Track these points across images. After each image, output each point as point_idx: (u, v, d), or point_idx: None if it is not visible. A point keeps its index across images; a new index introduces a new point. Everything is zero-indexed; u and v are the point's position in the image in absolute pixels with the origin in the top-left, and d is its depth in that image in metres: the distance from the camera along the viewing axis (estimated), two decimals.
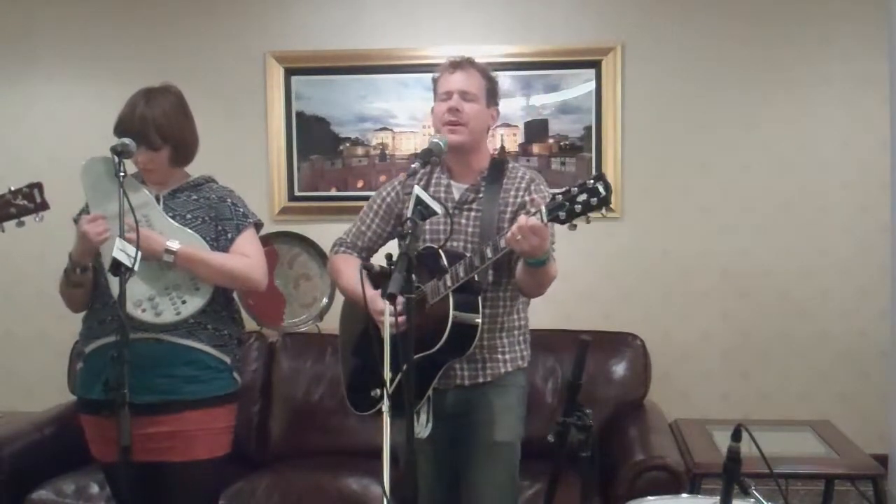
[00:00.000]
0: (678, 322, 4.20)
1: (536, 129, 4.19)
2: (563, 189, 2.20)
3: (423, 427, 2.48)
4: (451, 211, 2.53)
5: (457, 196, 2.59)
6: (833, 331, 4.15)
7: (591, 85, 4.15)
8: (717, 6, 4.13)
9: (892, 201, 3.65)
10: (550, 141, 4.19)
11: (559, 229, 2.36)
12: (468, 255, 2.42)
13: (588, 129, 4.17)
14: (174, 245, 2.49)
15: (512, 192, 2.56)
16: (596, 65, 4.14)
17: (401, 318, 2.12)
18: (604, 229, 4.15)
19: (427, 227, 2.52)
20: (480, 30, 4.14)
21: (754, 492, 1.88)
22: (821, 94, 4.13)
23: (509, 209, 2.54)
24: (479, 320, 2.43)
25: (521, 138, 4.19)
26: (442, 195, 2.58)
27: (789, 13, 4.11)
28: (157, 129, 2.55)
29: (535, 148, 4.19)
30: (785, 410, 4.07)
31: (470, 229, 2.54)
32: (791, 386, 4.17)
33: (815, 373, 4.16)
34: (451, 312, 2.38)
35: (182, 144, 2.62)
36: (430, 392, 2.50)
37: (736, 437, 1.87)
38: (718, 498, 1.92)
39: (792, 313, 4.17)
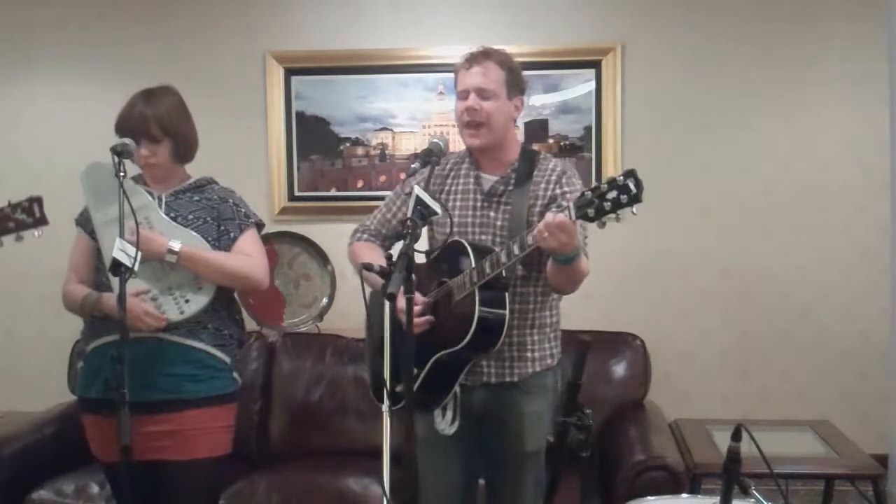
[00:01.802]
0: (678, 322, 4.20)
1: (536, 129, 4.19)
2: (593, 185, 2.15)
3: (447, 424, 2.43)
4: (481, 204, 2.48)
5: (486, 188, 2.51)
6: (833, 331, 4.15)
7: (591, 85, 4.15)
8: (717, 6, 4.13)
9: (892, 201, 3.66)
10: (550, 141, 4.19)
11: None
12: (496, 249, 2.35)
13: (588, 129, 4.17)
14: (176, 245, 2.50)
15: (542, 185, 2.49)
16: (596, 65, 4.14)
17: (423, 319, 2.10)
18: (604, 229, 4.15)
19: (456, 220, 2.48)
20: (480, 30, 4.13)
21: (754, 492, 1.88)
22: (821, 94, 4.13)
23: (539, 202, 2.48)
24: (507, 317, 2.36)
25: (521, 138, 4.17)
26: (471, 187, 2.52)
27: (789, 13, 4.11)
28: (158, 122, 2.56)
29: (535, 148, 4.17)
30: (785, 410, 4.07)
31: (499, 223, 2.48)
32: (791, 386, 4.17)
33: (815, 373, 4.16)
34: (477, 309, 2.31)
35: (183, 139, 2.63)
36: (456, 388, 2.44)
37: (736, 437, 1.87)
38: (718, 498, 1.92)
39: (792, 313, 4.17)
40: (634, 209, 2.11)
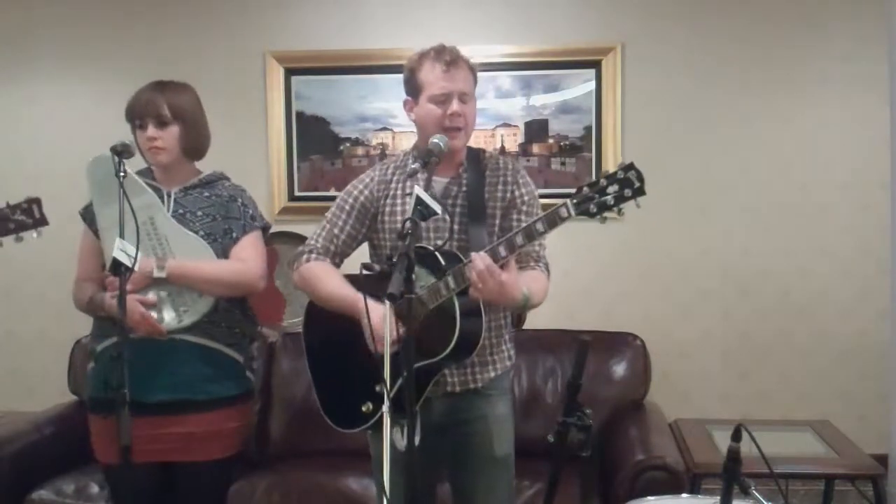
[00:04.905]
0: (678, 322, 4.20)
1: (536, 129, 4.20)
2: (590, 181, 2.12)
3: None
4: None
5: (438, 191, 2.42)
6: (833, 331, 4.15)
7: (591, 85, 4.15)
8: (717, 6, 4.13)
9: (892, 201, 3.65)
10: (550, 141, 4.19)
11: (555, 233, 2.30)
12: (460, 255, 2.28)
13: (588, 129, 4.17)
14: (162, 274, 2.48)
15: (499, 186, 2.44)
16: (596, 65, 4.14)
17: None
18: (604, 229, 4.10)
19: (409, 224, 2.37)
20: (480, 30, 4.13)
21: (754, 492, 1.88)
22: (821, 94, 4.13)
23: (499, 204, 2.43)
24: (483, 322, 2.30)
25: (521, 138, 4.19)
26: None
27: (789, 13, 4.11)
28: (169, 105, 2.54)
29: (535, 148, 4.19)
30: (785, 410, 4.07)
31: (456, 227, 2.40)
32: (791, 386, 4.17)
33: (815, 373, 4.16)
34: (459, 318, 2.23)
35: (194, 128, 2.60)
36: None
37: (736, 437, 1.87)
38: (718, 498, 1.92)
39: (792, 313, 4.17)
40: (638, 202, 2.08)
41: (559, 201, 2.19)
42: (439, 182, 2.45)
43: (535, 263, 2.42)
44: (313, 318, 2.59)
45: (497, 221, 2.42)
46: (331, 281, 2.45)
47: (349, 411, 2.44)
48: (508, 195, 2.45)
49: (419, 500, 2.35)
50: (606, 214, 2.11)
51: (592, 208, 2.09)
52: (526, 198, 2.45)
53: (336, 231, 2.51)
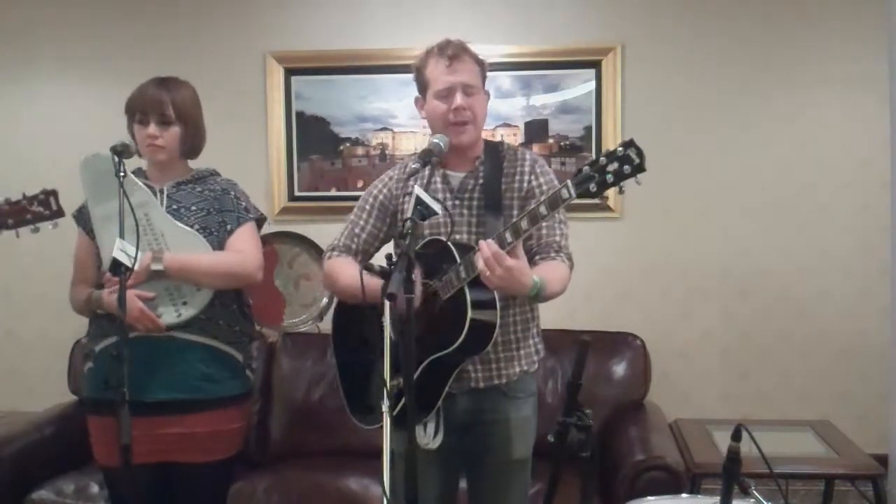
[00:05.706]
0: (678, 322, 4.20)
1: (536, 129, 4.20)
2: (590, 160, 2.10)
3: (430, 438, 2.34)
4: (452, 202, 2.41)
5: (455, 185, 2.46)
6: (833, 331, 4.15)
7: (591, 85, 4.15)
8: (717, 6, 4.13)
9: (892, 201, 3.65)
10: (550, 141, 4.19)
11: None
12: (476, 247, 2.26)
13: (588, 129, 4.17)
14: (159, 266, 2.48)
15: (517, 178, 2.44)
16: (596, 65, 4.14)
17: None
18: (604, 229, 4.16)
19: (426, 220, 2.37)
20: (480, 30, 4.13)
21: (754, 492, 1.88)
22: (821, 94, 4.13)
23: (516, 195, 2.42)
24: (497, 313, 2.28)
25: (521, 138, 4.19)
26: (438, 185, 2.45)
27: (789, 13, 4.11)
28: (173, 105, 2.55)
29: (535, 148, 4.18)
30: (785, 410, 4.07)
31: (474, 219, 2.42)
32: (791, 386, 4.17)
33: (815, 373, 4.16)
34: (470, 309, 2.23)
35: (194, 129, 2.61)
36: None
37: (736, 437, 1.87)
38: (718, 498, 1.92)
39: (792, 313, 4.17)
40: (638, 179, 2.06)
41: None
42: (456, 176, 2.47)
43: (555, 254, 2.41)
44: (341, 317, 2.62)
45: (515, 213, 2.40)
46: (347, 273, 2.45)
47: (370, 408, 2.45)
48: (526, 185, 2.44)
49: (429, 498, 2.39)
50: (608, 193, 2.09)
51: (593, 187, 2.07)
52: (545, 187, 2.43)
53: (357, 230, 2.55)
